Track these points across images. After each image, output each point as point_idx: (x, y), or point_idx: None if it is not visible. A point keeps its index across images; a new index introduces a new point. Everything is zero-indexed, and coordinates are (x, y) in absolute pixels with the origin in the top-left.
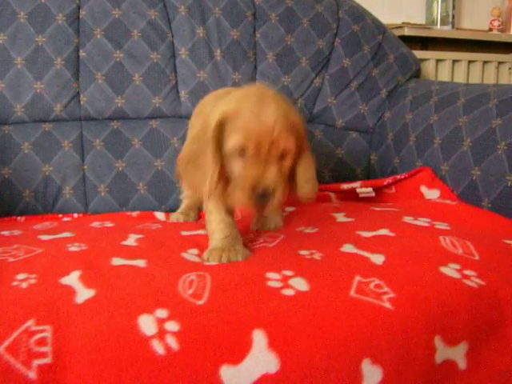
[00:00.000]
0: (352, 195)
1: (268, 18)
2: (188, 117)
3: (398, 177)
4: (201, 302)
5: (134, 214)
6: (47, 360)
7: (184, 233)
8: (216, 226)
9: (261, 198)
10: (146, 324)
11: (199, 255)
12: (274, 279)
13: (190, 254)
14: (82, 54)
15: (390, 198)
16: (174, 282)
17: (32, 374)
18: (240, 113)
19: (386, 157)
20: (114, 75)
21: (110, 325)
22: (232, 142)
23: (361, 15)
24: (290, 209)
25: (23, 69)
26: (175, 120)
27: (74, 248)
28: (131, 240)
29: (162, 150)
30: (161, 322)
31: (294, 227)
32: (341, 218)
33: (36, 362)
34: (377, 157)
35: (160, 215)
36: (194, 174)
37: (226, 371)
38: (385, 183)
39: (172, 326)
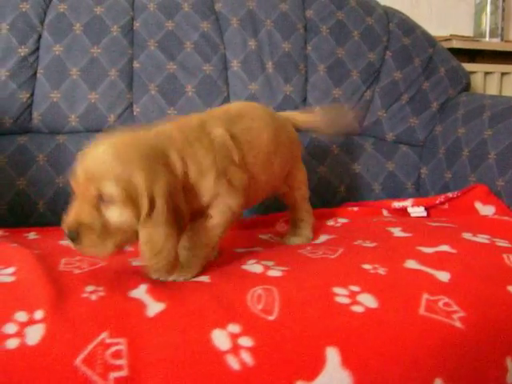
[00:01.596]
0: (403, 211)
1: (319, 31)
2: None
3: (451, 195)
4: (272, 318)
5: None
6: (123, 373)
7: (239, 250)
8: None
9: (66, 233)
10: (220, 339)
11: (257, 263)
12: (341, 295)
13: (250, 265)
14: (135, 65)
15: (443, 213)
16: (241, 296)
17: None
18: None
19: (437, 171)
20: (166, 86)
21: (183, 339)
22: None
23: (411, 28)
24: (343, 220)
25: (78, 79)
26: None
27: (136, 263)
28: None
29: None
30: (234, 337)
31: (351, 240)
32: (397, 232)
33: (113, 375)
34: (427, 171)
35: None
36: None
37: None
38: (437, 202)
39: (246, 341)
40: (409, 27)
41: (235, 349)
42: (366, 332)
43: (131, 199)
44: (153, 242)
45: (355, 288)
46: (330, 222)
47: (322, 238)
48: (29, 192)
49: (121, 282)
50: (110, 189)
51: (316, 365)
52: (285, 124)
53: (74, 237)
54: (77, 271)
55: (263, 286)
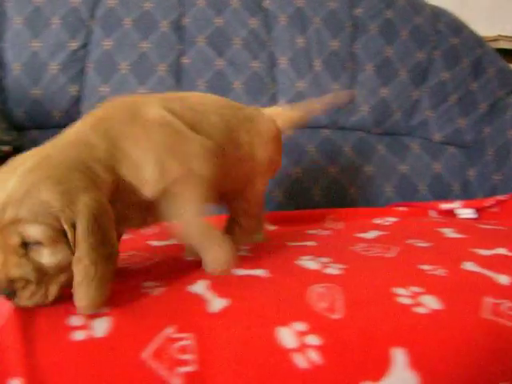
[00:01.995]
0: (450, 213)
1: (367, 29)
2: None
3: (502, 198)
4: (337, 317)
5: None
6: (191, 368)
7: (291, 243)
8: None
9: (6, 295)
10: (286, 336)
11: (312, 260)
12: (403, 295)
13: (305, 261)
14: (184, 60)
15: (492, 216)
16: (302, 293)
17: (176, 381)
18: None
19: (486, 173)
20: (215, 83)
21: (249, 336)
22: None
23: (459, 28)
24: (391, 219)
25: (127, 74)
26: None
27: (190, 257)
28: (243, 251)
29: None
30: (301, 335)
31: (403, 239)
32: (450, 233)
33: (180, 370)
34: (475, 172)
35: None
36: None
37: None
38: (486, 204)
39: (313, 339)
40: (457, 27)
41: (302, 347)
42: (431, 334)
43: (58, 233)
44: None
45: (416, 289)
46: (378, 221)
47: (373, 233)
48: None
49: (178, 277)
50: (33, 231)
51: (382, 365)
52: (255, 120)
53: (11, 294)
54: (133, 266)
55: (324, 283)
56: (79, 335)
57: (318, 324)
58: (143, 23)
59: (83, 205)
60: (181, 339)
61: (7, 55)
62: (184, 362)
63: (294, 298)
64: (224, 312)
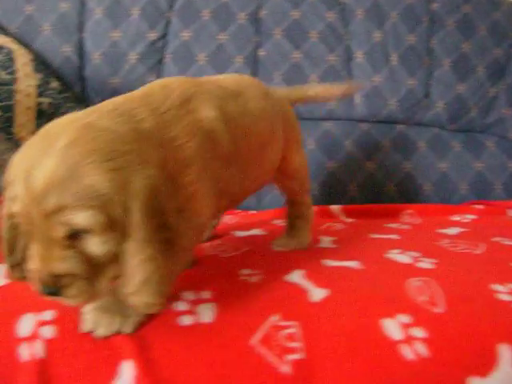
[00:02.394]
0: None
1: (445, 24)
2: (361, 120)
3: None
4: (440, 310)
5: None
6: (299, 356)
7: (374, 235)
8: None
9: (43, 289)
10: (391, 328)
11: (402, 253)
12: (501, 292)
13: (395, 254)
14: (261, 52)
15: None
16: (400, 286)
17: (286, 368)
18: (15, 163)
19: None
20: (291, 75)
21: (354, 326)
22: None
23: None
24: (470, 216)
25: (205, 65)
26: (348, 123)
27: (277, 248)
28: (326, 242)
29: (335, 151)
30: (406, 327)
31: (487, 236)
32: None
33: (289, 357)
34: None
35: None
36: None
37: (473, 383)
38: None
39: (418, 332)
40: None
41: (409, 339)
42: None
43: (109, 218)
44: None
45: None
46: (456, 218)
47: (454, 229)
48: None
49: (273, 265)
50: (81, 218)
51: (488, 361)
52: (281, 104)
53: (55, 292)
54: (224, 255)
55: (420, 277)
56: (187, 320)
57: (421, 317)
58: (221, 15)
59: (139, 184)
60: (287, 327)
61: (87, 45)
62: (292, 350)
63: (394, 290)
64: (325, 302)
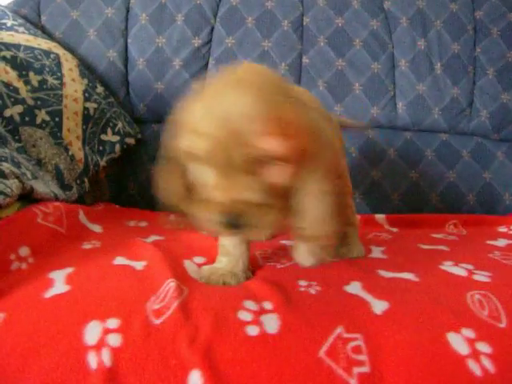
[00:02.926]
0: None
1: (489, 33)
2: (404, 128)
3: None
4: (502, 325)
5: None
6: (365, 369)
7: (423, 246)
8: (223, 243)
9: (226, 220)
10: (457, 342)
11: (455, 265)
12: None
13: (448, 267)
14: (304, 60)
15: None
16: (461, 299)
17: (353, 382)
18: (200, 104)
19: None
20: (334, 83)
21: (419, 339)
22: (183, 143)
23: None
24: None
25: None
26: (391, 131)
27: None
28: (377, 252)
29: (378, 160)
30: (471, 341)
31: None
32: None
33: (356, 370)
34: None
35: None
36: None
37: None
38: None
39: (484, 347)
40: None
41: (475, 354)
42: None
43: (294, 149)
44: (329, 215)
45: None
46: (503, 229)
47: (502, 241)
48: None
49: (329, 277)
50: (281, 147)
51: None
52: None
53: (233, 222)
54: (279, 266)
55: (478, 290)
56: (252, 330)
57: (486, 331)
58: (265, 22)
59: (326, 138)
60: (352, 339)
61: (132, 51)
62: (359, 363)
63: (455, 303)
64: (388, 314)
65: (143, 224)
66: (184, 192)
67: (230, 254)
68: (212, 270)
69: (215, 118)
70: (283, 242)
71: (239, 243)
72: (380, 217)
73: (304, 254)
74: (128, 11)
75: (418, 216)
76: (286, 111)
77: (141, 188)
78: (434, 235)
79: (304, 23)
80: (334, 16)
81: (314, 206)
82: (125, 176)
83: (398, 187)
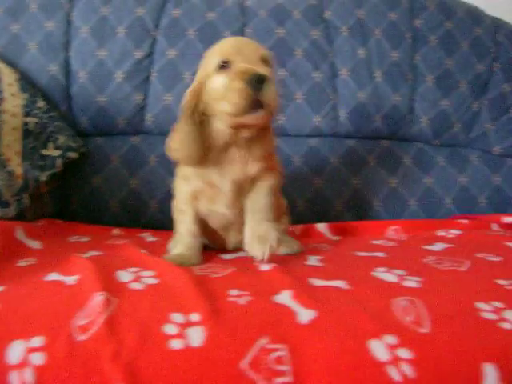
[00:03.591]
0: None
1: (427, 41)
2: (346, 136)
3: None
4: (425, 331)
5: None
6: (288, 379)
7: (360, 253)
8: (182, 232)
9: (256, 83)
10: (378, 349)
11: (388, 271)
12: (486, 310)
13: (381, 273)
14: None
15: None
16: (387, 306)
17: None
18: (213, 47)
19: None
20: None
21: (341, 348)
22: (212, 61)
23: None
24: (455, 231)
25: (191, 83)
26: (334, 139)
27: (265, 267)
28: (313, 260)
29: (320, 168)
30: (392, 348)
31: (471, 252)
32: None
33: (278, 380)
34: None
35: None
36: (175, 139)
37: None
38: None
39: (404, 353)
40: None
41: (395, 360)
42: None
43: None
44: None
45: (498, 304)
46: (442, 233)
47: (439, 245)
48: (141, 191)
49: (260, 286)
50: (266, 52)
51: (475, 380)
52: None
53: (264, 80)
54: (213, 275)
55: (405, 296)
56: (177, 344)
57: (407, 337)
58: (207, 33)
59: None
60: (276, 350)
61: (73, 64)
62: (281, 373)
63: (381, 310)
64: (314, 323)
65: (85, 239)
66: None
67: (188, 243)
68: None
69: (235, 39)
70: (221, 255)
71: (197, 234)
72: (321, 226)
73: (255, 245)
74: (69, 24)
75: (360, 223)
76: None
77: (85, 202)
78: (374, 242)
79: (245, 34)
80: (275, 26)
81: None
82: (68, 190)
83: (341, 195)
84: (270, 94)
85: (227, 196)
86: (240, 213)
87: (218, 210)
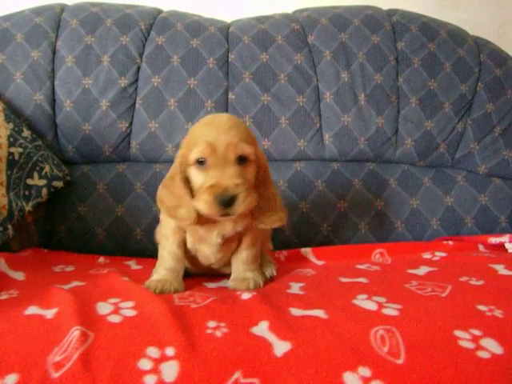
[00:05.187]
0: (499, 247)
1: (411, 63)
2: (331, 160)
3: None
4: (400, 361)
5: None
6: None
7: (343, 279)
8: (165, 256)
9: (222, 198)
10: (352, 381)
11: (368, 299)
12: (464, 338)
13: (361, 301)
14: (231, 96)
15: None
16: (364, 336)
17: None
18: (196, 131)
19: None
20: (261, 118)
21: (316, 381)
22: (191, 155)
23: (503, 59)
24: (440, 254)
25: (176, 110)
26: (319, 163)
27: (245, 296)
28: (295, 288)
29: (306, 192)
30: (366, 380)
31: (455, 276)
32: (502, 270)
33: None
34: None
35: None
36: (168, 197)
37: None
38: None
39: None
40: (500, 58)
41: None
42: (495, 379)
43: (257, 159)
44: (271, 190)
45: (476, 332)
46: (427, 255)
47: (423, 269)
48: (127, 219)
49: (239, 317)
50: (251, 150)
51: None
52: None
53: (230, 200)
54: (193, 305)
55: (383, 326)
56: (150, 380)
57: (382, 369)
58: (190, 60)
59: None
60: None
61: (59, 93)
62: None
63: (357, 341)
64: (288, 356)
65: (70, 269)
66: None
67: (171, 267)
68: (154, 281)
69: (213, 132)
70: (205, 283)
71: (180, 258)
72: (306, 251)
73: (238, 285)
74: (54, 53)
75: (345, 247)
76: (252, 139)
77: (71, 230)
78: (358, 266)
79: (229, 60)
80: (259, 52)
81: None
82: (54, 218)
83: (326, 218)
84: (238, 208)
85: (213, 246)
86: (226, 254)
87: (203, 252)
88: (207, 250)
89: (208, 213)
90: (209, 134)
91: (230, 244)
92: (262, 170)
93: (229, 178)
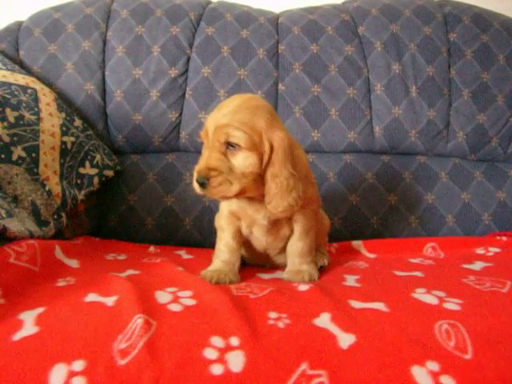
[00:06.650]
0: None
1: (463, 55)
2: (381, 152)
3: None
4: (468, 357)
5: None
6: None
7: (398, 273)
8: (221, 248)
9: (197, 180)
10: (421, 376)
11: (428, 293)
12: None
13: (420, 294)
14: (280, 87)
15: None
16: (429, 330)
17: None
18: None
19: None
20: (311, 109)
21: (384, 374)
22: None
23: None
24: (494, 249)
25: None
26: (369, 156)
27: (302, 287)
28: (351, 280)
29: (356, 184)
30: (435, 375)
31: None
32: None
33: None
34: None
35: None
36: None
37: None
38: None
39: (448, 380)
40: None
41: None
42: None
43: (254, 145)
44: (280, 177)
45: None
46: (481, 251)
47: (478, 264)
48: (176, 209)
49: (300, 308)
50: (237, 136)
51: None
52: None
53: (204, 180)
54: (252, 296)
55: (447, 320)
56: (217, 369)
57: (450, 364)
58: (240, 51)
59: (282, 135)
60: (316, 376)
61: (109, 83)
62: None
63: (422, 334)
64: (354, 348)
65: (122, 257)
66: None
67: (226, 259)
68: (210, 272)
69: (211, 116)
70: (260, 275)
71: (235, 250)
72: (357, 243)
73: (293, 277)
74: (105, 44)
75: (396, 240)
76: (257, 124)
77: (121, 219)
78: (411, 260)
79: (279, 51)
80: (309, 43)
81: (276, 190)
82: (105, 208)
83: (376, 211)
84: (209, 191)
85: (262, 227)
86: (277, 239)
87: (256, 235)
88: (258, 233)
89: (196, 191)
90: (209, 117)
91: (280, 228)
92: (275, 154)
93: (207, 161)
